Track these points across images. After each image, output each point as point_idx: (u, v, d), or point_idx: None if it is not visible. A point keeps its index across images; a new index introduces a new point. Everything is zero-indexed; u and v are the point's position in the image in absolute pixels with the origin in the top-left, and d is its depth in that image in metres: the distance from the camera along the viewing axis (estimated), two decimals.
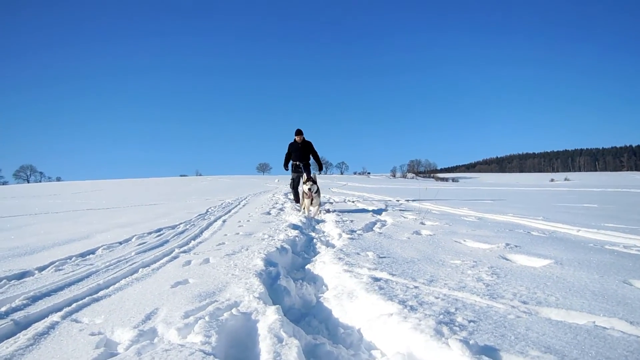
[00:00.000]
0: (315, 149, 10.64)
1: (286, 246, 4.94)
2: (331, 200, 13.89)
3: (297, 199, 10.97)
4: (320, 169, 11.36)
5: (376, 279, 3.28)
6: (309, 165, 10.63)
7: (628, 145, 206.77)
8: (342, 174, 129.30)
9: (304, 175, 9.11)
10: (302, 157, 10.45)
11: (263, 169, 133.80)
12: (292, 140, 10.51)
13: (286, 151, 10.75)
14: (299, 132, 10.33)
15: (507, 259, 4.11)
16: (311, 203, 8.88)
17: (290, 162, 10.79)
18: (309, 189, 8.70)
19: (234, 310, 2.61)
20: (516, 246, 4.67)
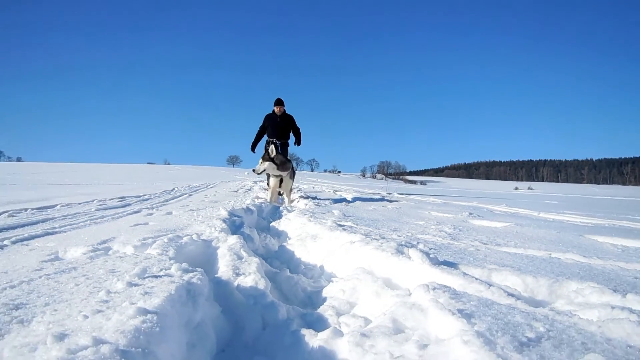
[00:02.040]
0: (298, 125, 8.33)
1: (252, 208, 4.88)
2: (300, 187, 13.86)
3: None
4: (298, 143, 8.47)
5: (340, 225, 3.29)
6: (288, 145, 8.30)
7: (589, 158, 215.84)
8: (312, 171, 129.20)
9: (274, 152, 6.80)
10: (280, 134, 8.03)
11: (233, 161, 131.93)
12: (270, 112, 8.14)
13: (260, 125, 8.26)
14: (279, 102, 8.03)
15: (469, 222, 4.19)
16: (280, 185, 7.01)
17: (265, 138, 8.23)
18: (281, 162, 6.76)
19: (194, 236, 2.55)
20: (479, 216, 4.78)
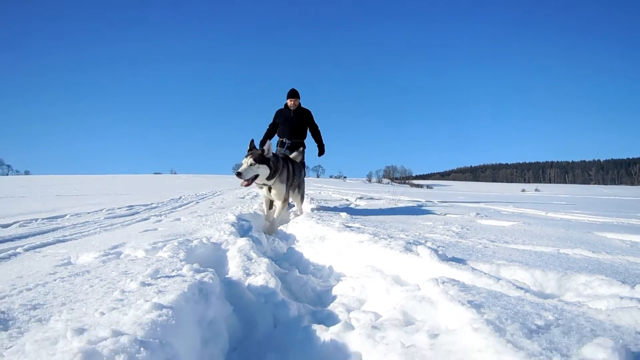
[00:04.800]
0: (316, 121, 6.73)
1: (260, 212, 4.92)
2: (307, 193, 13.85)
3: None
4: (322, 152, 6.81)
5: (348, 226, 3.30)
6: (303, 145, 6.61)
7: (596, 159, 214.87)
8: (318, 177, 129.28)
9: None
10: (293, 132, 6.52)
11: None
12: (282, 107, 6.67)
13: (270, 122, 6.69)
14: (293, 94, 6.52)
15: (476, 222, 4.20)
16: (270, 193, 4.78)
17: (276, 138, 6.71)
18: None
19: (204, 240, 2.58)
20: (486, 216, 4.78)
